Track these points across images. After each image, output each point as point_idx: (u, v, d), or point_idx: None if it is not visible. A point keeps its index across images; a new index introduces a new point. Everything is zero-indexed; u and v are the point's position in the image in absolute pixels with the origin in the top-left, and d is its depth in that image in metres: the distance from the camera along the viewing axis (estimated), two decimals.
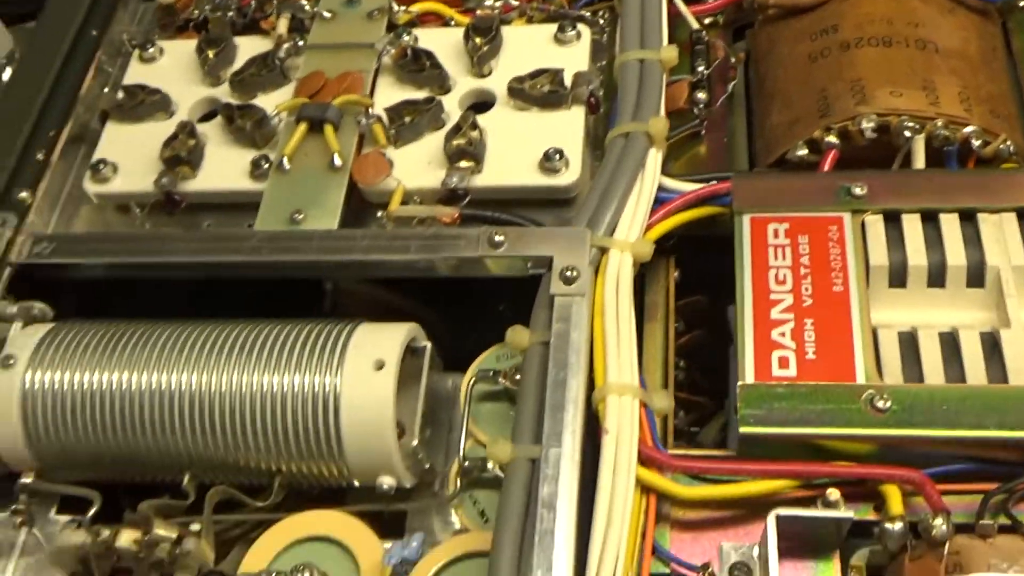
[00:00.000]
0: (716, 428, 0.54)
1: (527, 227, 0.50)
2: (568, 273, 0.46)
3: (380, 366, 0.46)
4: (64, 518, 0.50)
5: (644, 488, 0.42)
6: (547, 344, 0.45)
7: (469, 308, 0.59)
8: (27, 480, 0.50)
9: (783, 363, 0.43)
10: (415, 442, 0.47)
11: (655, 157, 0.51)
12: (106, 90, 0.60)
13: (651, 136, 0.51)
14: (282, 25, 0.60)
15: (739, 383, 0.43)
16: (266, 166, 0.54)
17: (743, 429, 0.42)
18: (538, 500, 0.39)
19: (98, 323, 0.51)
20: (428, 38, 0.59)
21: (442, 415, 0.51)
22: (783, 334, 0.44)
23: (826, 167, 0.51)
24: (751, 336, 0.44)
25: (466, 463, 0.47)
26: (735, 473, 0.42)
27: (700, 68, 0.57)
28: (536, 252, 0.47)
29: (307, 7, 0.60)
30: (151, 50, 0.61)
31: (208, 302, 0.58)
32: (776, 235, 0.47)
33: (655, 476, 0.42)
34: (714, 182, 0.52)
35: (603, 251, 0.48)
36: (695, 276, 0.54)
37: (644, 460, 0.42)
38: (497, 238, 0.47)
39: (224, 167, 0.55)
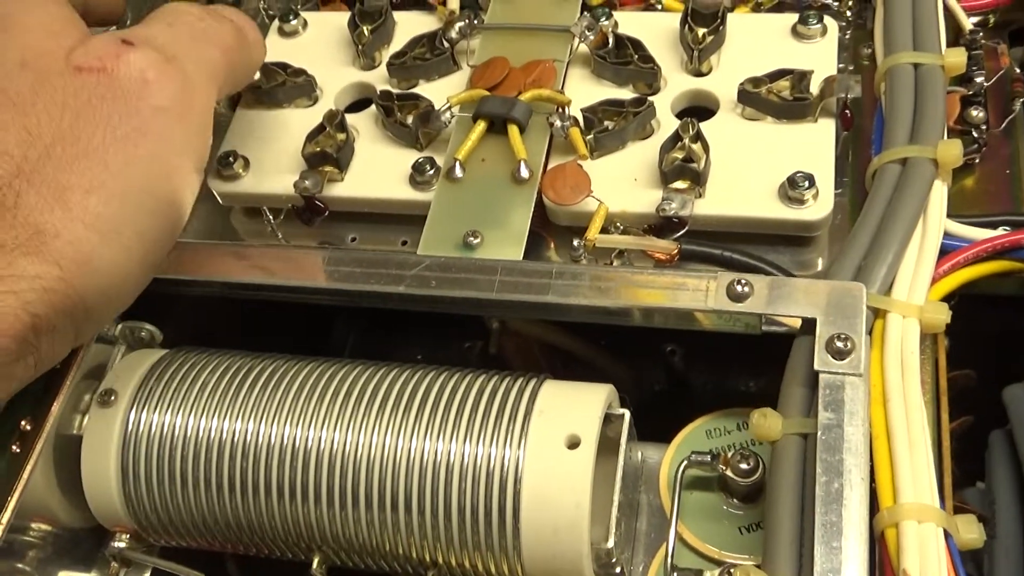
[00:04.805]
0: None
1: (776, 275, 0.39)
2: (839, 344, 0.34)
3: (574, 444, 0.36)
4: None
5: None
6: (805, 437, 0.34)
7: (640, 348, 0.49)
8: (120, 544, 0.41)
9: None
10: (611, 543, 0.36)
11: (942, 193, 0.39)
12: None
13: (938, 164, 0.39)
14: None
15: None
16: (431, 171, 0.44)
17: None
18: None
19: (218, 353, 0.42)
20: (631, 23, 0.48)
21: (628, 495, 0.40)
22: None
23: None
24: None
25: (674, 574, 0.37)
26: None
27: (978, 79, 0.45)
28: (791, 311, 0.36)
29: None
30: (294, 22, 0.51)
31: (350, 327, 0.48)
32: None
33: None
34: (1004, 229, 0.40)
35: (877, 314, 0.36)
36: (965, 345, 0.42)
37: None
38: (740, 288, 0.36)
39: (379, 169, 0.45)
